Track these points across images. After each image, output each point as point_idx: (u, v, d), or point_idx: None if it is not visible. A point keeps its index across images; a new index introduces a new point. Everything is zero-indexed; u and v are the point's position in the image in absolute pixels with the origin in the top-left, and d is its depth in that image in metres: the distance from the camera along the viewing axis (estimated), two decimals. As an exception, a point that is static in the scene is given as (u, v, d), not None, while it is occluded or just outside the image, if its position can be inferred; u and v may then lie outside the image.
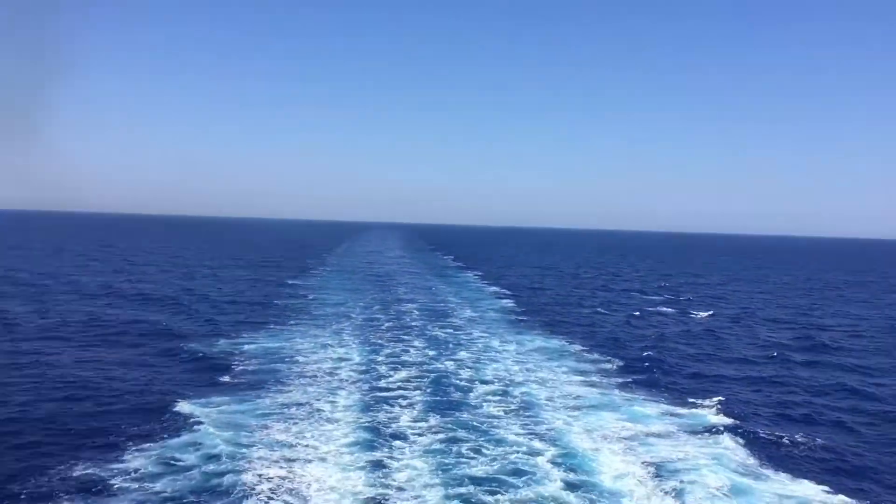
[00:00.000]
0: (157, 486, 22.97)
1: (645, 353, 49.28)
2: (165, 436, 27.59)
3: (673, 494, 23.87)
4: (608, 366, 45.05)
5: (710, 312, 75.97)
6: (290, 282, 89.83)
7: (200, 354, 43.01)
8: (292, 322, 57.03)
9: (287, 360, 42.47)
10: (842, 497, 24.56)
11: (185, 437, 27.56)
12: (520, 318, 66.03)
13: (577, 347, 50.97)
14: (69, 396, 33.02)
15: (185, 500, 22.00)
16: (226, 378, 37.60)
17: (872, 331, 66.64)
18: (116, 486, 22.85)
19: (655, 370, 44.01)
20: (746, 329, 65.34)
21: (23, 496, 22.02)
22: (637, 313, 73.18)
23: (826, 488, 25.37)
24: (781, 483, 25.75)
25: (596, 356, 47.87)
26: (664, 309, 78.71)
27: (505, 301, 79.05)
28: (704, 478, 25.46)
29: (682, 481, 25.00)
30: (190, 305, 64.62)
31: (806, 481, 25.97)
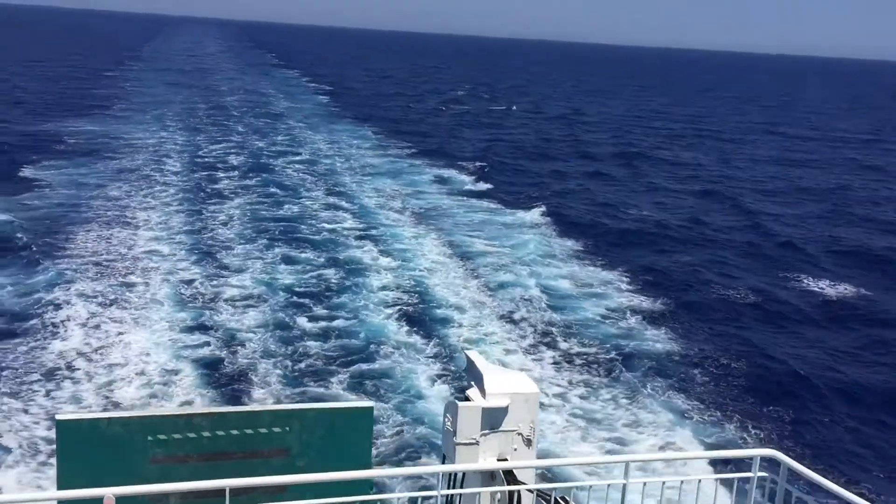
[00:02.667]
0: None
1: (430, 139, 57.62)
2: (13, 193, 32.42)
3: (431, 227, 32.28)
4: (406, 149, 52.81)
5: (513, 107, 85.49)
6: (106, 74, 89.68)
7: (43, 128, 46.74)
8: (115, 108, 60.20)
9: (115, 138, 46.94)
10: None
11: (35, 192, 32.76)
12: (333, 110, 72.20)
13: (381, 135, 58.25)
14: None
15: (40, 228, 27.56)
16: (61, 148, 42.09)
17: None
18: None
19: (436, 148, 52.46)
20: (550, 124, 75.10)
21: None
22: (443, 108, 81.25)
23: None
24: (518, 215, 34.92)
25: (395, 140, 55.48)
26: (467, 107, 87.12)
27: (321, 97, 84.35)
28: (442, 205, 34.39)
29: (432, 218, 33.64)
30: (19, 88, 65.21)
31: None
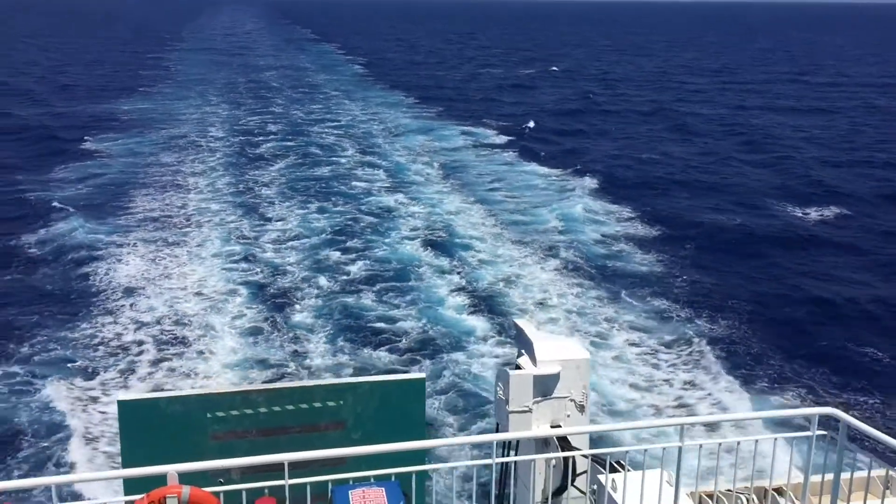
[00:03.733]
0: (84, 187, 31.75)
1: (459, 98, 60.02)
2: (80, 161, 35.95)
3: (455, 180, 34.93)
4: (435, 108, 55.43)
5: (551, 67, 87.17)
6: (149, 55, 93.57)
7: (101, 108, 50.64)
8: (161, 85, 63.91)
9: (163, 113, 50.49)
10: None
11: (97, 160, 36.34)
12: (367, 79, 74.99)
13: (412, 100, 60.87)
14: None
15: (104, 191, 30.95)
16: (122, 120, 45.98)
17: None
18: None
19: (463, 106, 54.92)
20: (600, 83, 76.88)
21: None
22: (479, 72, 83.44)
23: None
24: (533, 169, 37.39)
25: (424, 104, 58.07)
26: (497, 71, 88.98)
27: (357, 66, 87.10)
28: (466, 160, 36.99)
29: (456, 171, 36.29)
30: (58, 75, 69.37)
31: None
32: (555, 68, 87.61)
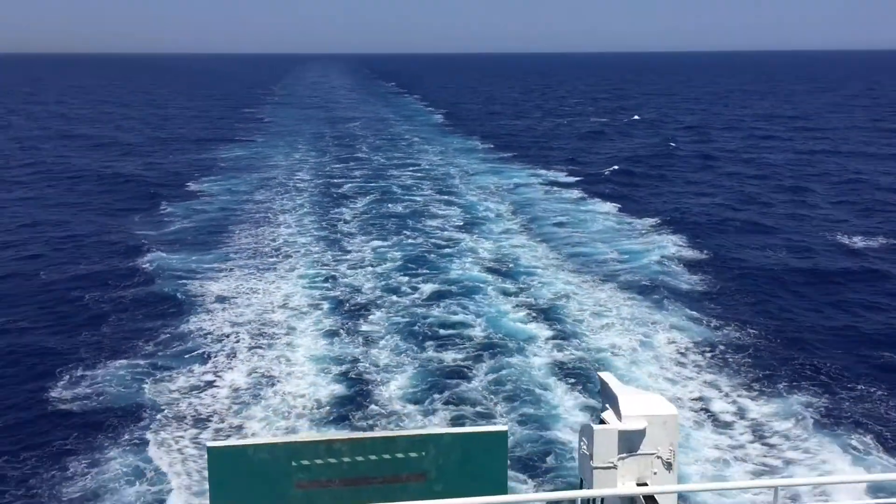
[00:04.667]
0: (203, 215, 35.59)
1: (526, 144, 62.68)
2: (185, 200, 40.00)
3: (523, 216, 37.37)
4: (504, 153, 58.39)
5: (637, 116, 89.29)
6: (244, 110, 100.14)
7: (202, 156, 55.81)
8: (255, 135, 69.12)
9: (257, 159, 55.00)
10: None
11: (200, 200, 40.49)
12: (445, 127, 78.79)
13: (487, 145, 63.97)
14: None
15: (206, 226, 34.61)
16: (220, 167, 50.85)
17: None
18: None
19: (533, 150, 57.51)
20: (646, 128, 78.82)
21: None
22: (546, 122, 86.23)
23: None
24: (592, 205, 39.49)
25: (499, 150, 61.02)
26: (562, 119, 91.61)
27: (436, 116, 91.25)
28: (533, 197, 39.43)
29: (525, 208, 38.74)
30: (179, 125, 75.60)
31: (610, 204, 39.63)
32: (636, 117, 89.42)
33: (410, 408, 17.44)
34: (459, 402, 17.67)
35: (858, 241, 32.74)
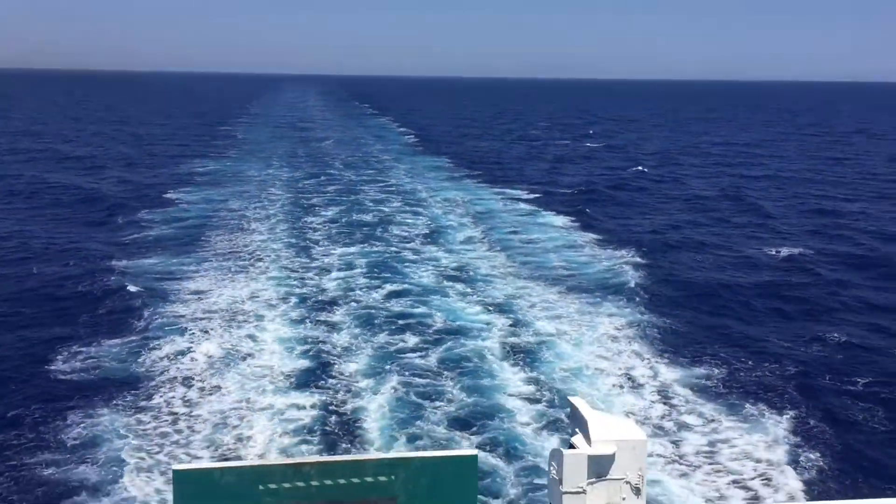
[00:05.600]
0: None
1: (491, 165, 65.66)
2: (163, 208, 42.13)
3: (483, 226, 39.99)
4: (470, 170, 61.27)
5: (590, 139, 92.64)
6: (220, 127, 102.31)
7: (180, 170, 58.02)
8: (230, 152, 71.42)
9: (232, 173, 57.36)
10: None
11: (178, 208, 42.69)
12: (416, 147, 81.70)
13: (452, 164, 66.91)
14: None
15: (183, 231, 36.76)
16: (193, 180, 52.99)
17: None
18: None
19: (496, 168, 60.40)
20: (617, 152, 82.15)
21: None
22: (516, 144, 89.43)
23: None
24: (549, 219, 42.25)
25: (465, 168, 63.89)
26: (534, 143, 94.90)
27: (407, 136, 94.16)
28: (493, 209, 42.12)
29: (485, 219, 41.42)
30: (155, 141, 77.56)
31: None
32: (594, 144, 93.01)
33: (366, 382, 19.84)
34: (412, 376, 20.14)
35: (781, 252, 35.81)
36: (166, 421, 17.48)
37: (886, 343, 24.20)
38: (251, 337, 22.55)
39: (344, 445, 16.64)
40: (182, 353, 21.27)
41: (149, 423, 17.35)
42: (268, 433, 16.94)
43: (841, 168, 69.78)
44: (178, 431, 17.06)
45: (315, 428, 17.32)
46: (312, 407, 18.28)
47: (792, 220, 44.13)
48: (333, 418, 17.84)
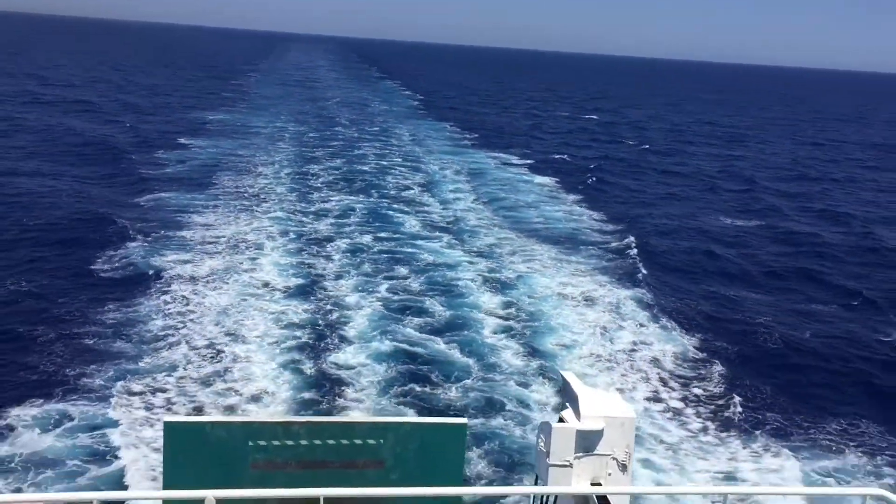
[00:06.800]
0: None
1: (495, 130, 68.45)
2: (177, 150, 45.10)
3: (480, 195, 42.95)
4: (470, 134, 64.12)
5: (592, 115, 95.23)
6: (232, 81, 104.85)
7: (193, 118, 60.87)
8: (240, 105, 74.39)
9: (241, 125, 60.24)
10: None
11: (191, 151, 45.69)
12: (420, 111, 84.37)
13: (453, 129, 69.66)
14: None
15: (195, 173, 39.77)
16: (206, 130, 56.09)
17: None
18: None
19: (498, 135, 63.27)
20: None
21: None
22: (509, 108, 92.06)
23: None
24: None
25: (465, 132, 66.71)
26: (539, 112, 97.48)
27: (413, 101, 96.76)
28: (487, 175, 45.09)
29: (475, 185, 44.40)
30: (168, 92, 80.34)
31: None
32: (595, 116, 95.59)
33: (353, 297, 23.18)
34: (396, 294, 23.54)
35: (736, 222, 38.83)
36: (182, 303, 21.60)
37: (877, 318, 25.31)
38: (252, 259, 25.98)
39: (331, 343, 19.62)
40: (190, 261, 25.26)
41: (171, 303, 21.54)
42: (262, 328, 20.25)
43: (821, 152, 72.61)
44: (192, 311, 20.93)
45: (306, 326, 20.59)
46: (305, 311, 21.56)
47: (761, 194, 47.10)
48: (321, 321, 21.00)
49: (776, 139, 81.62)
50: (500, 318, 22.35)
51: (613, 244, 31.83)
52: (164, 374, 17.35)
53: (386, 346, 19.73)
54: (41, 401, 16.04)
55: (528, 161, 53.11)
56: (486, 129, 70.25)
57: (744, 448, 16.26)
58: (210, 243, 27.42)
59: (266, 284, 23.58)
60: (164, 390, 16.70)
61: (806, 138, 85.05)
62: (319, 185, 40.04)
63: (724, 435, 16.74)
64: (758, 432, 16.88)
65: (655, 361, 20.10)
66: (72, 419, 15.47)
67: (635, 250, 30.85)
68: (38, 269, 24.09)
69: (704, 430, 16.91)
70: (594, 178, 47.76)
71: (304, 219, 32.33)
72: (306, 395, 17.04)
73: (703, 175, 52.97)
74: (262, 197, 36.00)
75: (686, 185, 48.82)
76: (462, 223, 33.83)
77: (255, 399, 16.63)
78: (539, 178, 46.57)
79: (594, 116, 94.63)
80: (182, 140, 49.69)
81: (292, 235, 29.39)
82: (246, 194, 36.21)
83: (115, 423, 15.23)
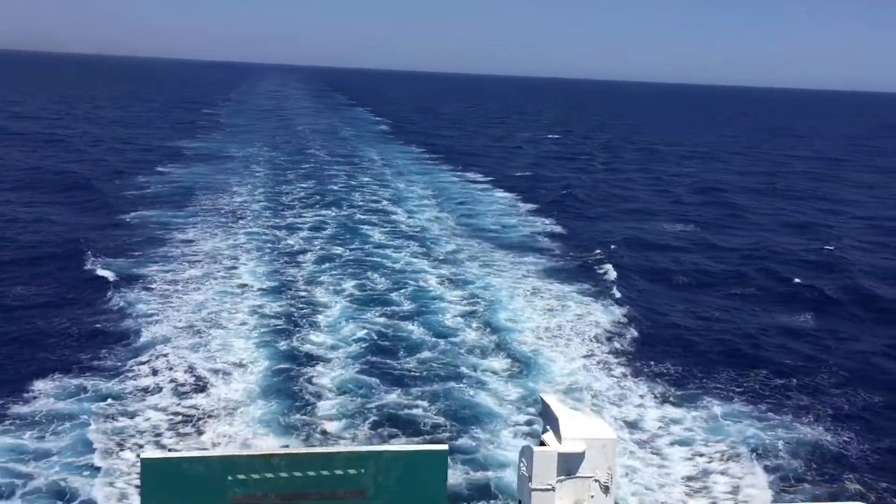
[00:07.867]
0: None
1: (462, 152, 71.65)
2: (155, 176, 47.47)
3: (440, 199, 45.76)
4: (436, 155, 67.26)
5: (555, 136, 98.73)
6: (204, 111, 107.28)
7: (163, 147, 63.50)
8: (214, 133, 76.96)
9: (216, 151, 62.81)
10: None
11: (168, 177, 48.20)
12: (388, 135, 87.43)
13: (420, 152, 72.62)
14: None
15: (173, 196, 42.17)
16: (180, 155, 58.57)
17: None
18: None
19: (452, 153, 66.49)
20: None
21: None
22: (476, 133, 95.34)
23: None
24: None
25: (431, 153, 69.76)
26: (500, 132, 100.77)
27: (382, 127, 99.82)
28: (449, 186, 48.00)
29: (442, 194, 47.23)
30: (147, 123, 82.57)
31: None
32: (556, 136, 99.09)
33: (325, 295, 25.77)
34: (364, 289, 26.25)
35: (678, 229, 42.18)
36: (165, 299, 24.52)
37: (857, 330, 26.09)
38: (230, 269, 28.54)
39: (303, 334, 22.00)
40: (171, 271, 27.75)
41: (151, 300, 24.51)
42: (239, 318, 22.90)
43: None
44: (172, 305, 23.78)
45: (281, 316, 23.34)
46: (279, 307, 24.19)
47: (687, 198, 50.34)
48: (295, 314, 23.66)
49: (730, 156, 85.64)
50: (461, 305, 25.36)
51: (567, 249, 34.75)
52: (147, 377, 18.90)
53: (354, 330, 22.40)
54: (37, 402, 17.53)
55: (490, 178, 56.06)
56: (453, 152, 73.29)
57: (651, 393, 19.02)
58: (189, 256, 29.82)
59: (243, 286, 26.13)
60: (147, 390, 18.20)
61: (761, 154, 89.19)
62: (291, 203, 42.65)
63: (636, 380, 19.84)
64: (737, 448, 16.74)
65: (593, 326, 23.86)
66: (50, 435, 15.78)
67: (584, 252, 33.86)
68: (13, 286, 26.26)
69: (624, 376, 20.12)
70: (554, 193, 50.84)
71: (277, 235, 34.57)
72: (282, 365, 19.58)
73: (658, 187, 56.41)
74: (239, 214, 38.44)
75: (643, 197, 52.05)
76: (426, 232, 36.61)
77: (237, 366, 19.39)
78: (500, 193, 49.53)
79: (557, 136, 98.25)
80: (159, 168, 52.15)
81: (267, 249, 31.64)
82: (223, 212, 38.67)
83: (92, 449, 15.11)
